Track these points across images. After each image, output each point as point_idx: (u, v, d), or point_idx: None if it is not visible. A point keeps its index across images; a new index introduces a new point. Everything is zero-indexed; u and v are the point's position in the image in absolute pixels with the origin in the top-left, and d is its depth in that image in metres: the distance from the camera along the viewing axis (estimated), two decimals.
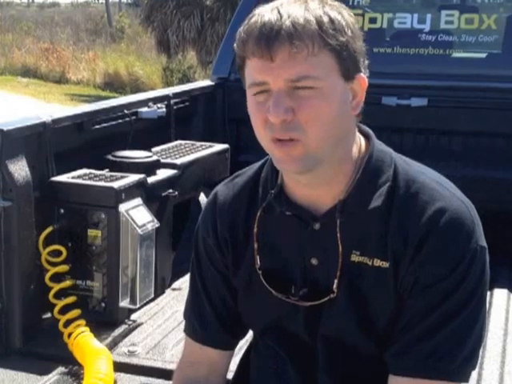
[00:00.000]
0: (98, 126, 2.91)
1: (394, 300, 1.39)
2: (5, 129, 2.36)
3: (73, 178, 2.63)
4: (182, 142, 3.44)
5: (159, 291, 2.91)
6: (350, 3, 3.96)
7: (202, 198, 3.48)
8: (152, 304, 2.81)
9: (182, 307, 2.75)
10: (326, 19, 1.32)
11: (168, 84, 19.62)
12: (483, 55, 4.04)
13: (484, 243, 1.39)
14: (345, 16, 1.36)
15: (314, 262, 1.45)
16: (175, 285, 3.06)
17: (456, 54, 4.06)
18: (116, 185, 2.56)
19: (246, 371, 1.64)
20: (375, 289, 1.40)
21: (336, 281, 1.41)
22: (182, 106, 3.57)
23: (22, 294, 2.44)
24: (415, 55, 3.88)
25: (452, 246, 1.36)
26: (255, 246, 1.49)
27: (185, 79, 19.64)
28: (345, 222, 1.40)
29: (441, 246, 1.35)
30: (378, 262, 1.39)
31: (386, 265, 1.39)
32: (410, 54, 3.89)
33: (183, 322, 2.66)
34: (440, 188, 1.41)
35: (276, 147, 1.35)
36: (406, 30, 4.04)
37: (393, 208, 1.39)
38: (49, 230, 2.52)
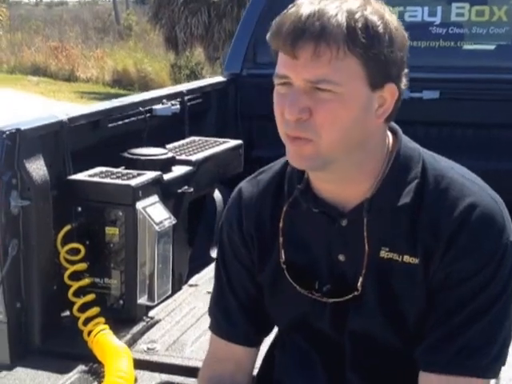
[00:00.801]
0: (113, 124, 2.90)
1: (424, 296, 1.39)
2: (22, 128, 2.35)
3: (90, 176, 2.63)
4: (196, 138, 3.43)
5: (176, 287, 2.91)
6: None
7: (217, 195, 3.49)
8: (169, 300, 2.80)
9: (199, 303, 2.84)
10: (360, 24, 1.28)
11: (176, 81, 19.66)
12: (494, 47, 4.02)
13: None
14: (386, 22, 1.31)
15: (342, 258, 1.45)
16: (192, 281, 3.05)
17: (467, 46, 4.05)
18: (133, 182, 2.55)
19: (271, 367, 1.64)
20: (405, 285, 1.40)
21: (361, 278, 1.41)
22: (195, 102, 3.56)
23: (42, 292, 2.44)
24: (426, 48, 3.88)
25: (484, 242, 1.35)
26: (280, 240, 1.49)
27: (192, 75, 19.66)
28: (372, 220, 1.40)
29: (473, 242, 1.35)
30: (407, 259, 1.39)
31: (415, 261, 1.38)
32: (421, 47, 3.88)
33: (201, 319, 2.72)
34: (469, 183, 1.40)
35: (288, 142, 1.35)
36: (417, 22, 4.03)
37: (422, 204, 1.39)
38: (67, 228, 2.52)
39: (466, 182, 1.40)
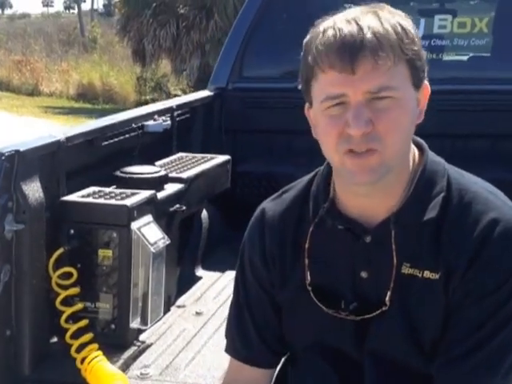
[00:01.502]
0: (106, 142, 2.84)
1: (442, 313, 1.39)
2: (21, 149, 2.27)
3: (83, 196, 2.55)
4: (184, 154, 3.38)
5: (165, 309, 2.84)
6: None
7: (204, 212, 3.42)
8: (159, 323, 2.74)
9: (188, 325, 2.80)
10: (400, 29, 1.32)
11: (141, 93, 19.60)
12: (475, 58, 4.07)
13: None
14: (410, 24, 1.36)
15: (364, 275, 1.45)
16: (179, 302, 3.00)
17: (449, 58, 4.10)
18: (128, 202, 2.48)
19: None
20: (424, 301, 1.40)
21: (389, 293, 1.41)
22: (183, 117, 3.52)
23: (33, 319, 2.35)
24: None
25: (505, 258, 1.35)
26: (306, 261, 1.48)
27: (158, 88, 19.61)
28: (398, 234, 1.39)
29: (495, 257, 1.35)
30: (427, 274, 1.39)
31: (436, 276, 1.38)
32: None
33: (192, 341, 2.67)
34: (493, 197, 1.41)
35: (350, 159, 1.34)
36: None
37: (446, 219, 1.39)
38: (59, 251, 2.43)
39: (490, 196, 1.41)
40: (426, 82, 1.40)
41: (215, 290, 3.12)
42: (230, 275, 3.22)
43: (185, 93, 16.63)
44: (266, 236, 1.54)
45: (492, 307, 1.35)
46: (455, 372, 1.37)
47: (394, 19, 1.33)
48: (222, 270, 3.30)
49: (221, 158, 3.38)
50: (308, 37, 1.38)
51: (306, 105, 1.44)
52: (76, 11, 34.84)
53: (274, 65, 4.00)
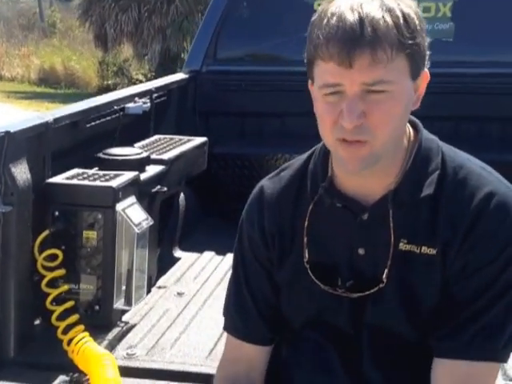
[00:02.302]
0: (90, 124, 2.83)
1: (441, 287, 1.40)
2: (11, 130, 2.25)
3: (67, 178, 2.54)
4: (161, 136, 3.39)
5: (147, 290, 2.85)
6: None
7: (182, 194, 3.44)
8: (142, 304, 2.74)
9: (171, 305, 2.81)
10: (401, 20, 1.31)
11: (103, 78, 19.40)
12: (439, 42, 4.13)
13: None
14: (415, 11, 1.35)
15: (361, 251, 1.45)
16: (160, 282, 3.02)
17: None
18: (114, 184, 2.48)
19: (278, 364, 1.62)
20: (422, 276, 1.41)
21: (386, 270, 1.42)
22: (160, 100, 3.52)
23: (18, 302, 2.34)
24: None
25: (501, 230, 1.37)
26: (305, 239, 1.49)
27: (120, 72, 19.44)
28: (396, 211, 1.41)
29: (490, 230, 1.37)
30: (425, 250, 1.40)
31: (433, 251, 1.40)
32: None
33: (176, 321, 2.68)
34: (486, 174, 1.43)
35: (341, 147, 1.36)
36: None
37: (442, 195, 1.41)
38: (45, 233, 2.43)
39: (483, 172, 1.43)
40: (426, 70, 1.40)
41: (195, 270, 3.14)
42: (209, 256, 3.26)
43: (146, 77, 16.52)
44: (265, 215, 1.54)
45: (488, 279, 1.37)
46: (455, 341, 1.39)
47: (398, 8, 1.31)
48: (200, 250, 3.32)
49: (198, 140, 3.40)
50: (315, 16, 1.37)
51: (309, 80, 1.44)
52: None
53: (248, 47, 4.01)
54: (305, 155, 1.57)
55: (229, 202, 3.63)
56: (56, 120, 2.52)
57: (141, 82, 14.99)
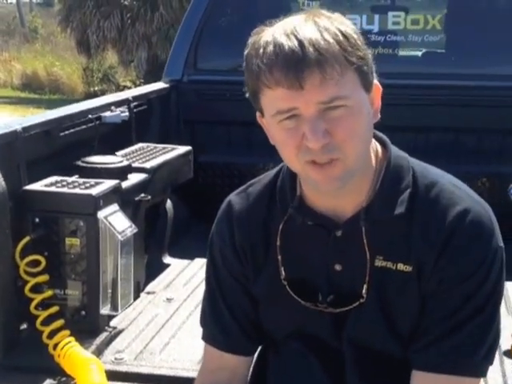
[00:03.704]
0: (64, 133, 2.85)
1: (418, 303, 1.42)
2: None
3: (46, 186, 2.56)
4: (144, 144, 3.42)
5: (135, 295, 2.89)
6: (300, 6, 4.02)
7: (169, 202, 3.49)
8: (129, 309, 2.77)
9: (160, 311, 2.84)
10: (341, 37, 1.30)
11: (89, 84, 19.34)
12: (429, 54, 4.18)
13: (502, 243, 1.43)
14: (350, 27, 1.35)
15: (338, 267, 1.47)
16: (148, 288, 3.05)
17: (403, 53, 4.21)
18: (94, 191, 2.51)
19: (262, 371, 1.64)
20: (399, 292, 1.43)
21: (365, 286, 1.43)
22: (140, 109, 3.55)
23: (1, 306, 2.37)
24: None
25: (475, 247, 1.39)
26: (279, 258, 1.49)
27: (106, 79, 19.38)
28: (368, 229, 1.42)
29: (464, 248, 1.39)
30: (401, 266, 1.42)
31: (409, 269, 1.41)
32: None
33: (165, 326, 2.71)
34: (458, 191, 1.44)
35: (313, 169, 1.35)
36: None
37: (415, 213, 1.42)
38: (25, 240, 2.45)
39: (455, 189, 1.44)
40: (376, 82, 1.39)
41: (184, 276, 3.16)
42: (198, 262, 3.29)
43: (135, 84, 16.44)
44: (235, 231, 1.53)
45: (463, 296, 1.38)
46: (431, 356, 1.39)
47: (333, 26, 1.31)
48: (189, 257, 3.34)
49: (182, 149, 3.42)
50: (248, 49, 1.35)
51: (258, 113, 1.42)
52: (14, 1, 34.01)
53: (228, 57, 4.00)
54: (273, 171, 1.56)
55: (217, 210, 3.65)
56: (25, 129, 2.54)
57: (129, 88, 14.97)
